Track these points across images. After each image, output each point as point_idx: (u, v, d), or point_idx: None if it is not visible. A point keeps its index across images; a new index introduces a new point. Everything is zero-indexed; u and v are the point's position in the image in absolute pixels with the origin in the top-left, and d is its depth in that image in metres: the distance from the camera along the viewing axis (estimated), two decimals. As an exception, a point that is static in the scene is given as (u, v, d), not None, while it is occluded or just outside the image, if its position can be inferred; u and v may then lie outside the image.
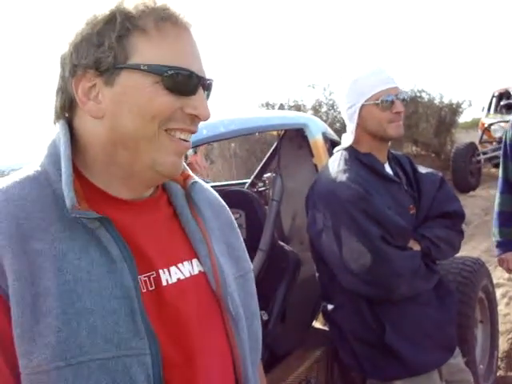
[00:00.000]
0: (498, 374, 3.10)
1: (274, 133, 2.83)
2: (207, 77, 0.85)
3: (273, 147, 3.12)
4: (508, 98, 11.39)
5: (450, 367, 1.91)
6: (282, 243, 2.18)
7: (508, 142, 2.63)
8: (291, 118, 2.76)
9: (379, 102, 1.77)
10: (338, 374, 2.17)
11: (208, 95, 0.87)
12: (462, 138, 13.38)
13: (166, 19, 0.79)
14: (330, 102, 13.04)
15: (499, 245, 2.69)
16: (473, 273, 2.78)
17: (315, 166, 2.48)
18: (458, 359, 1.98)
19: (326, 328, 2.22)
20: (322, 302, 1.99)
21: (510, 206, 2.67)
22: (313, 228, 1.78)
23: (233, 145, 11.72)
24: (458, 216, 1.92)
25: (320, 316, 2.35)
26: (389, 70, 1.87)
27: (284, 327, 2.03)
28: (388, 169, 1.89)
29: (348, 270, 1.69)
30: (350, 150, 1.86)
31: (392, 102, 1.78)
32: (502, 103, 11.03)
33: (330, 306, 1.88)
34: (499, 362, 3.16)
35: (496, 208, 2.71)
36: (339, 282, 1.75)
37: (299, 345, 2.17)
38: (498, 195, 2.72)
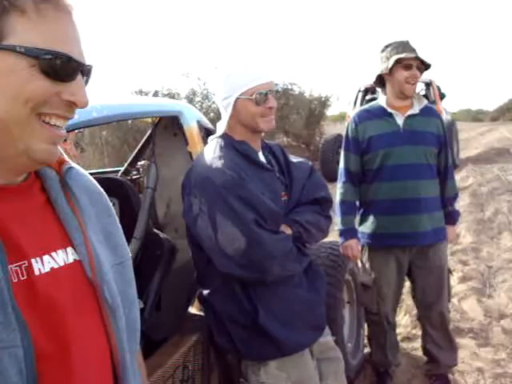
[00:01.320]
0: (364, 352, 3.32)
1: (149, 120, 2.80)
2: (87, 62, 0.82)
3: (147, 135, 3.08)
4: (373, 93, 12.14)
5: (321, 346, 2.02)
6: (156, 231, 2.17)
7: (350, 134, 2.84)
8: (166, 105, 2.73)
9: (253, 97, 1.82)
10: (214, 358, 2.20)
11: (87, 81, 0.84)
12: (331, 130, 14.04)
13: (46, 1, 0.75)
14: (205, 92, 13.06)
15: (342, 233, 2.87)
16: (340, 256, 2.94)
17: (190, 153, 2.49)
18: (327, 338, 2.09)
19: (201, 313, 2.24)
20: (197, 287, 2.02)
21: (351, 196, 2.86)
22: (189, 214, 1.80)
23: (104, 132, 11.35)
24: (327, 202, 2.02)
25: (196, 302, 2.37)
26: (264, 63, 1.92)
27: (160, 314, 2.03)
28: (261, 157, 1.95)
29: (223, 253, 1.72)
30: (225, 137, 1.90)
31: (265, 98, 1.83)
32: (367, 98, 11.69)
33: (205, 291, 1.91)
34: (365, 340, 3.37)
35: (338, 197, 2.87)
36: (214, 266, 1.78)
37: (175, 331, 2.18)
38: (339, 185, 2.89)
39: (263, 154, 1.97)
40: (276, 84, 1.99)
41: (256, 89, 1.82)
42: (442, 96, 10.99)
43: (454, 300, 4.02)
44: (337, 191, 2.91)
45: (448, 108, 11.03)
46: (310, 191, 1.98)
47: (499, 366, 3.26)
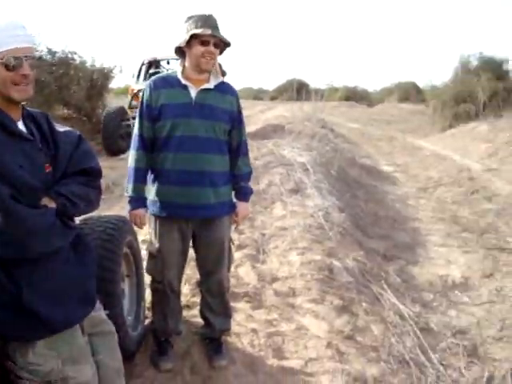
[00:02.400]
0: (145, 323, 3.33)
1: None
2: None
3: None
4: (157, 67, 12.11)
5: (92, 320, 1.97)
6: None
7: (144, 100, 2.81)
8: None
9: (4, 61, 1.67)
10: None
11: None
12: (115, 103, 13.67)
13: None
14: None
15: (132, 200, 2.86)
16: (117, 230, 2.89)
17: None
18: (99, 312, 2.05)
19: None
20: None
21: (143, 163, 2.85)
22: None
23: None
24: (95, 173, 1.96)
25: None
26: (25, 26, 1.76)
27: None
28: (22, 126, 1.80)
29: None
30: None
31: (19, 64, 1.69)
32: (150, 71, 11.65)
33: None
34: (146, 312, 3.38)
35: (131, 164, 2.85)
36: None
37: None
38: (132, 152, 2.86)
39: (24, 122, 1.82)
40: (37, 51, 1.85)
41: (8, 52, 1.67)
42: (223, 73, 11.41)
43: (231, 267, 4.24)
44: (129, 158, 2.87)
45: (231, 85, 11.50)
46: (78, 162, 1.89)
47: (272, 325, 3.54)
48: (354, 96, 37.04)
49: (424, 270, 5.26)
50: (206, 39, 2.67)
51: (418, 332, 3.72)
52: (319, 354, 3.22)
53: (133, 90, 11.28)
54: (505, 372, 3.36)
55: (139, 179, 2.85)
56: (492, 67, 17.81)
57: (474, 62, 18.85)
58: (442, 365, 3.38)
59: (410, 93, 33.03)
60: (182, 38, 2.72)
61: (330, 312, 3.71)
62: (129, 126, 10.45)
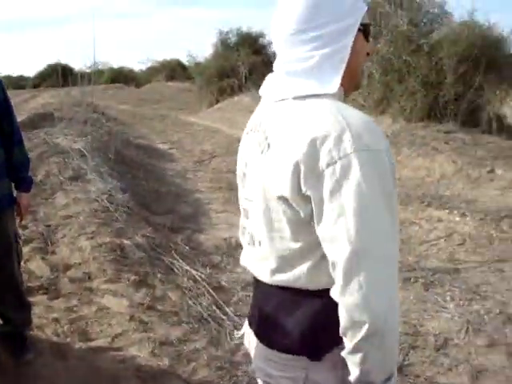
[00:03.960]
0: None
1: None
2: None
3: None
4: None
5: None
6: None
7: None
8: None
9: None
10: None
11: None
12: None
13: None
14: None
15: None
16: None
17: None
18: None
19: None
20: None
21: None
22: None
23: None
24: None
25: None
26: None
27: None
28: None
29: None
30: None
31: None
32: None
33: None
34: None
35: None
36: None
37: None
38: None
39: None
40: None
41: None
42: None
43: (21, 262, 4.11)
44: None
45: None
46: None
47: (73, 311, 3.57)
48: (120, 77, 36.56)
49: (209, 236, 5.65)
50: None
51: (212, 291, 4.07)
52: (124, 328, 3.35)
53: None
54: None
55: None
56: (249, 42, 19.13)
57: (233, 38, 19.98)
58: (237, 315, 3.76)
59: (176, 71, 33.67)
60: None
61: (127, 288, 3.85)
62: None
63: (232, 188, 7.62)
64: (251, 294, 4.20)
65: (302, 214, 1.18)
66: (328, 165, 1.10)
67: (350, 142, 1.09)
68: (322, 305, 1.23)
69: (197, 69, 19.71)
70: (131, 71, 40.44)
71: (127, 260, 4.30)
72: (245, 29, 19.95)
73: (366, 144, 1.10)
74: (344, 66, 1.23)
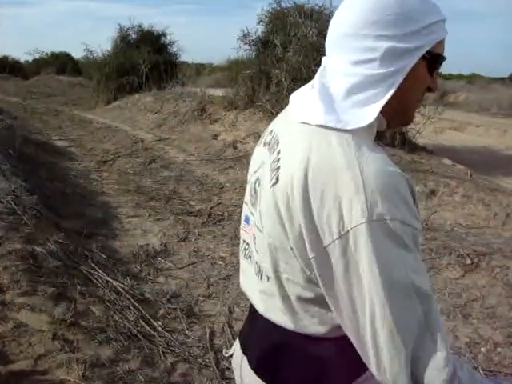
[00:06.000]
0: None
1: None
2: None
3: None
4: None
5: None
6: None
7: None
8: None
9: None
10: None
11: None
12: None
13: None
14: None
15: None
16: None
17: None
18: None
19: None
20: None
21: None
22: None
23: None
24: None
25: None
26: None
27: None
28: None
29: None
30: None
31: None
32: None
33: None
34: None
35: None
36: None
37: None
38: None
39: None
40: None
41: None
42: None
43: None
44: None
45: None
46: None
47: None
48: (4, 67, 34.21)
49: (125, 243, 5.34)
50: None
51: (137, 304, 3.80)
52: (47, 348, 3.01)
53: None
54: (222, 325, 3.71)
55: None
56: (151, 40, 18.62)
57: (134, 35, 19.37)
58: (167, 331, 3.53)
59: (66, 64, 32.18)
60: None
61: (46, 302, 3.48)
62: None
63: (141, 192, 7.31)
64: (178, 307, 3.98)
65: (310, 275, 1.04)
66: (339, 235, 0.94)
67: (362, 209, 0.93)
68: (329, 351, 1.11)
69: (95, 64, 18.84)
70: (17, 62, 38.04)
71: (42, 270, 3.90)
72: (146, 26, 19.45)
73: (380, 213, 0.93)
74: (391, 93, 1.05)
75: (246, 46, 12.31)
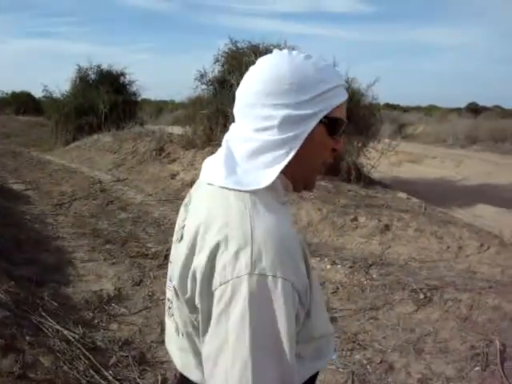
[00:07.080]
0: None
1: None
2: None
3: None
4: None
5: None
6: None
7: None
8: None
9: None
10: None
11: None
12: None
13: None
14: None
15: None
16: None
17: None
18: None
19: None
20: None
21: None
22: None
23: None
24: None
25: None
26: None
27: None
28: None
29: None
30: None
31: None
32: None
33: None
34: None
35: None
36: None
37: None
38: None
39: None
40: None
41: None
42: None
43: None
44: None
45: None
46: None
47: None
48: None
49: (78, 289, 5.25)
50: None
51: (87, 353, 3.74)
52: (-9, 405, 2.94)
53: None
54: (175, 371, 3.67)
55: None
56: (110, 80, 18.64)
57: (93, 75, 19.38)
58: (118, 380, 3.48)
59: (27, 104, 31.92)
60: None
61: (-8, 355, 3.40)
62: None
63: (97, 235, 7.23)
64: (130, 354, 3.93)
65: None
66: (220, 283, 1.00)
67: (246, 261, 0.99)
68: None
69: (54, 104, 18.72)
70: (-26, 102, 37.56)
71: (-11, 321, 3.81)
72: (105, 66, 19.50)
73: (263, 268, 0.98)
74: (290, 157, 1.12)
75: (204, 86, 12.47)
